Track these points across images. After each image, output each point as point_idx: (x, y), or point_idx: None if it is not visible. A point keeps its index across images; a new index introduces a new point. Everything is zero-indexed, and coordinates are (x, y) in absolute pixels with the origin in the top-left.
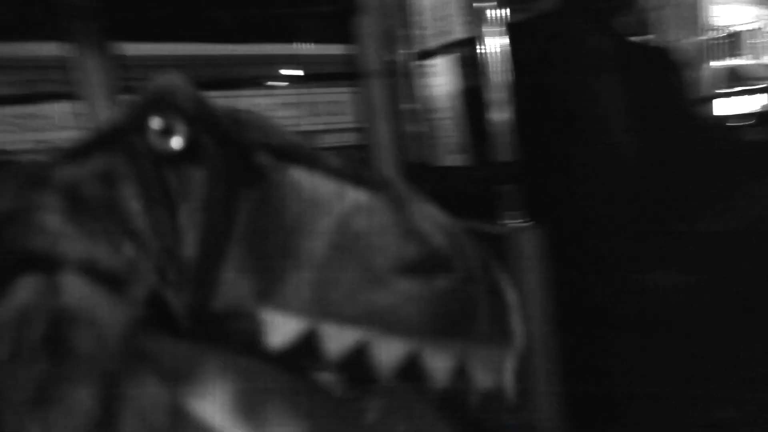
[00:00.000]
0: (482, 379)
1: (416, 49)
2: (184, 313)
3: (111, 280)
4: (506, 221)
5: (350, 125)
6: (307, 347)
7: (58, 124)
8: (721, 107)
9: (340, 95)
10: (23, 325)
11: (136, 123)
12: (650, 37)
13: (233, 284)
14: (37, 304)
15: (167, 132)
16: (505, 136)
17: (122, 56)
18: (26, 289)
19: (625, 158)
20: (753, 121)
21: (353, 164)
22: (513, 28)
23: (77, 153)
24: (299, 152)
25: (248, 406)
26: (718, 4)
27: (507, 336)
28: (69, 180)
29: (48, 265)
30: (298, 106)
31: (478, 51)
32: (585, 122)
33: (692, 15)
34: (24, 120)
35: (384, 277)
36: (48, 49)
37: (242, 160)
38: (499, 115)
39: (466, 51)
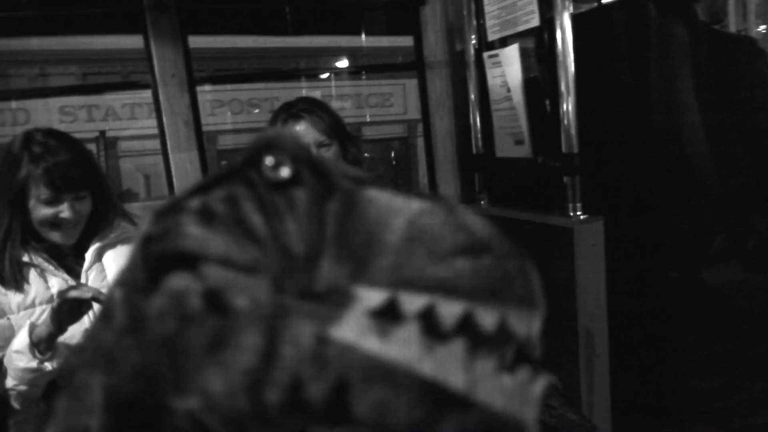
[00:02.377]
0: (519, 329)
1: (481, 39)
2: (294, 294)
3: (243, 271)
4: (569, 213)
5: (402, 117)
6: (389, 310)
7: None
8: None
9: (392, 87)
10: (181, 303)
11: (251, 161)
12: (727, 24)
13: (329, 271)
14: (189, 287)
15: (277, 166)
16: (571, 127)
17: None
18: (177, 278)
19: (698, 151)
20: None
21: (413, 188)
22: (581, 18)
23: (204, 186)
24: (372, 179)
25: (379, 324)
26: None
27: (534, 301)
28: (200, 204)
29: (191, 262)
30: (353, 98)
31: (544, 41)
32: (656, 114)
33: None
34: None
35: (444, 258)
36: (122, 41)
37: (330, 184)
38: (565, 106)
39: (532, 41)
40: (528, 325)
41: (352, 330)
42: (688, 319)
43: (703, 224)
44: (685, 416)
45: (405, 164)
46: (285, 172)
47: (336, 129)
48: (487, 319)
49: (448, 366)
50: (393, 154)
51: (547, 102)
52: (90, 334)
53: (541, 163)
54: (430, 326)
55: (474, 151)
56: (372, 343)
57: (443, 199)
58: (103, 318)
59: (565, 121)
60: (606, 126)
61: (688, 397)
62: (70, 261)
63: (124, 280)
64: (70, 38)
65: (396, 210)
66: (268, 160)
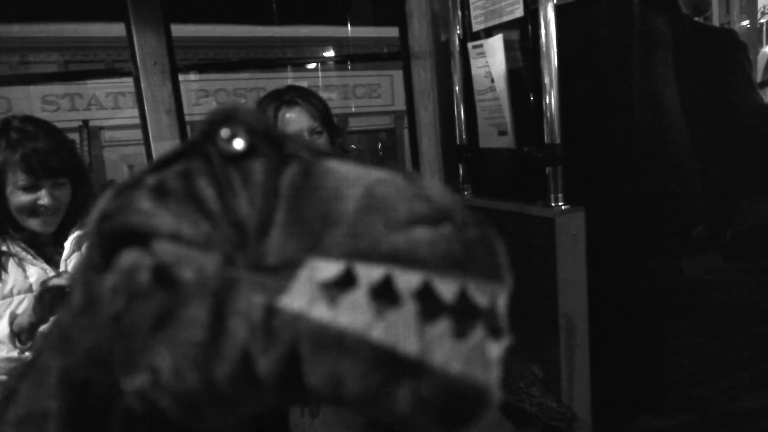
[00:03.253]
0: (480, 300)
1: (466, 30)
2: (245, 268)
3: (194, 246)
4: (550, 203)
5: (387, 108)
6: (345, 282)
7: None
8: None
9: (380, 78)
10: (131, 279)
11: (208, 134)
12: (710, 17)
13: (282, 243)
14: (139, 262)
15: (232, 138)
16: (553, 119)
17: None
18: (129, 255)
19: (678, 141)
20: None
21: (373, 161)
22: (565, 9)
23: (163, 162)
24: (332, 152)
25: (328, 291)
26: None
27: (497, 272)
28: (156, 180)
29: (142, 238)
30: (340, 88)
31: (528, 32)
32: (637, 105)
33: None
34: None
35: (400, 228)
36: (105, 29)
37: (287, 155)
38: (548, 97)
39: (515, 32)
40: (491, 297)
41: (301, 298)
42: (667, 309)
43: (683, 215)
44: (664, 404)
45: (392, 155)
46: (239, 144)
47: (326, 118)
48: (446, 289)
49: (399, 331)
50: (380, 145)
51: (531, 93)
52: (56, 317)
53: (526, 153)
54: (382, 293)
55: (458, 141)
56: (321, 311)
57: (404, 169)
58: (66, 300)
59: (548, 112)
60: (588, 117)
61: (667, 385)
62: (49, 250)
63: (83, 259)
64: (52, 25)
65: (353, 180)
66: (224, 133)
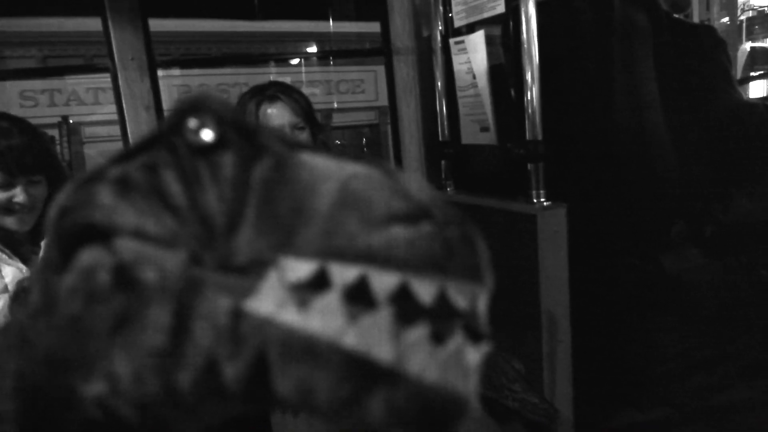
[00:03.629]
0: (460, 302)
1: (448, 26)
2: (215, 267)
3: (158, 244)
4: (532, 200)
5: (371, 104)
6: (318, 283)
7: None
8: (758, 88)
9: (363, 73)
10: (90, 280)
11: (175, 126)
12: (690, 14)
13: (252, 241)
14: (99, 262)
15: (200, 129)
16: (535, 115)
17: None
18: (89, 253)
19: (658, 138)
20: None
21: (349, 154)
22: (546, 5)
23: (128, 154)
24: (305, 144)
25: (298, 294)
26: None
27: (478, 273)
28: (119, 173)
29: (104, 235)
30: (323, 84)
31: (509, 28)
32: (618, 102)
33: None
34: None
35: (377, 225)
36: (84, 23)
37: (259, 147)
38: (529, 93)
39: (497, 28)
40: (471, 298)
41: (269, 301)
42: (648, 305)
43: (663, 211)
44: (646, 399)
45: (376, 151)
46: (208, 135)
47: (308, 114)
48: (424, 291)
49: (373, 337)
50: (364, 141)
51: (512, 89)
52: (13, 317)
53: (508, 149)
54: (357, 295)
55: (440, 137)
56: (290, 316)
57: (381, 163)
58: (25, 298)
59: (530, 109)
60: (570, 114)
61: (648, 380)
62: (25, 249)
63: (42, 257)
64: (30, 20)
65: (328, 174)
66: (191, 123)
